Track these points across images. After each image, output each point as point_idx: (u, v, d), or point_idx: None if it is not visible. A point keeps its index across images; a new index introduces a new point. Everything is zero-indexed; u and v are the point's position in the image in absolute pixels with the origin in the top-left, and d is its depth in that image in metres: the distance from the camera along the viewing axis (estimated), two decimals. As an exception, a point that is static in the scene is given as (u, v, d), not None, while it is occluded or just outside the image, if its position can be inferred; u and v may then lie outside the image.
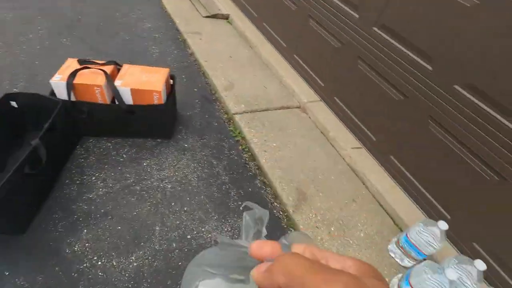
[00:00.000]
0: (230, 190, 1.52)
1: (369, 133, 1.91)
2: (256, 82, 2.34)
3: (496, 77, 1.25)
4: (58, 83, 1.36)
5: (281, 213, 1.54)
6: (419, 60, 1.54)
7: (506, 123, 1.24)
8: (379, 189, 1.73)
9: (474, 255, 1.44)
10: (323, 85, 2.24)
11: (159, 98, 1.46)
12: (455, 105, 1.40)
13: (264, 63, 2.62)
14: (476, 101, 1.33)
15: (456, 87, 1.40)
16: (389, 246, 1.49)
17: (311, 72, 2.34)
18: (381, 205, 1.72)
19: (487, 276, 1.39)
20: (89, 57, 1.93)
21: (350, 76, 1.97)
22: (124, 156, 1.53)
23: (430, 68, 1.50)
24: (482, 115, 1.31)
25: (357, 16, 1.86)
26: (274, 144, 1.86)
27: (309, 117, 2.19)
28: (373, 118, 1.87)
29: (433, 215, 1.60)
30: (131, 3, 2.90)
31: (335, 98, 2.14)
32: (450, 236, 1.53)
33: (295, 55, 2.49)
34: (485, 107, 1.30)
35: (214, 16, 3.08)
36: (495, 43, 1.24)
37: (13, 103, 1.40)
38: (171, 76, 1.67)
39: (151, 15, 2.83)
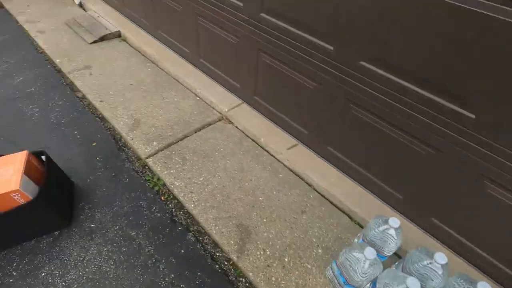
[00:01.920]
0: (158, 263, 1.27)
1: (299, 128, 1.71)
2: (166, 106, 2.03)
3: (394, 46, 1.06)
4: None
5: (225, 263, 1.32)
6: (319, 41, 1.31)
7: (422, 92, 1.07)
8: (326, 185, 1.56)
9: (434, 230, 1.33)
10: (238, 86, 1.98)
11: (22, 196, 1.13)
12: (367, 82, 1.21)
13: (172, 78, 2.29)
14: (386, 74, 1.14)
15: (363, 63, 1.19)
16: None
17: (222, 74, 2.06)
18: (333, 204, 1.55)
19: (451, 245, 1.29)
20: None
21: (259, 70, 1.72)
22: (14, 273, 1.22)
23: (331, 48, 1.28)
24: (396, 88, 1.13)
25: (241, 5, 1.57)
26: (201, 179, 1.60)
27: (236, 127, 1.94)
28: (296, 111, 1.65)
29: (385, 198, 1.47)
30: (-4, 55, 2.39)
31: (255, 97, 1.90)
32: (407, 213, 1.41)
33: (201, 60, 2.18)
34: (396, 79, 1.12)
35: (103, 39, 2.65)
36: (385, 13, 1.03)
37: None
38: (40, 153, 1.33)
39: (22, 63, 2.35)
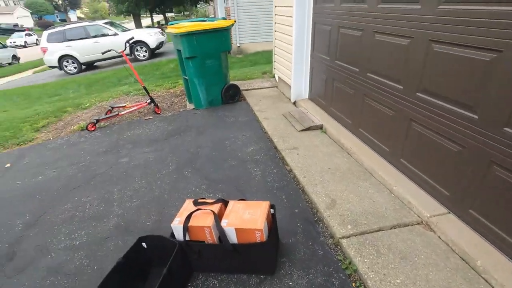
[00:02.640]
0: None
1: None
2: (361, 194, 2.14)
3: None
4: (176, 226, 1.55)
5: None
6: None
7: None
8: None
9: None
10: (448, 194, 1.84)
11: (261, 235, 1.44)
12: None
13: (366, 171, 2.44)
14: None
15: None
16: None
17: (427, 178, 2.00)
18: None
19: None
20: (203, 186, 2.24)
21: (484, 182, 1.56)
22: (229, 296, 1.48)
23: None
24: None
25: (476, 117, 1.58)
26: (398, 281, 1.49)
27: (439, 237, 1.74)
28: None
29: None
30: (237, 131, 3.42)
31: (470, 210, 1.69)
32: None
33: (402, 160, 2.24)
34: None
35: (309, 129, 3.26)
36: None
37: (144, 244, 1.63)
38: (271, 206, 1.68)
39: (253, 138, 3.22)
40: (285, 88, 4.40)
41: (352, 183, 2.29)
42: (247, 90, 4.81)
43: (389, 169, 2.32)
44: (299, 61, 3.75)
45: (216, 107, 4.24)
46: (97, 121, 3.98)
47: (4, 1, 47.56)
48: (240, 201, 1.68)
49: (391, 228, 1.83)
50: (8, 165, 3.33)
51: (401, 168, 2.26)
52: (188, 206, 1.67)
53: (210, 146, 3.15)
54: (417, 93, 1.98)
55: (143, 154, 3.14)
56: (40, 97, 7.42)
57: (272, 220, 1.63)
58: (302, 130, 3.25)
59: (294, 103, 4.07)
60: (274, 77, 5.22)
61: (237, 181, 2.46)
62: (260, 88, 4.89)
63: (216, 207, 1.61)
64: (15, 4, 47.87)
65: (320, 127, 3.29)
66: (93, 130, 3.92)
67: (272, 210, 1.67)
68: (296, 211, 2.06)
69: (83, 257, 1.89)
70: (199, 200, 1.69)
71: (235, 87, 4.40)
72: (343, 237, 1.78)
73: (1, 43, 16.36)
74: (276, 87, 4.87)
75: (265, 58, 8.61)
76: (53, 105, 5.59)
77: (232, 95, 4.39)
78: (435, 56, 1.80)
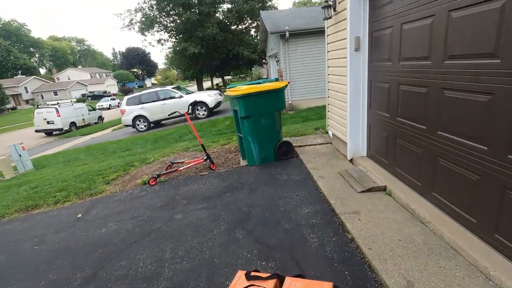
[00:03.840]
0: None
1: None
2: (446, 278, 1.73)
3: None
4: (227, 304, 1.39)
5: None
6: None
7: None
8: None
9: None
10: None
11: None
12: None
13: (448, 246, 2.03)
14: None
15: None
16: None
17: (541, 265, 1.55)
18: None
19: None
20: (255, 252, 2.08)
21: None
22: None
23: None
24: None
25: None
26: None
27: None
28: None
29: None
30: (291, 190, 3.28)
31: None
32: None
33: (497, 235, 1.81)
34: None
35: (370, 190, 2.97)
36: None
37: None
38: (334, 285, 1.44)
39: (307, 198, 3.03)
40: (340, 145, 4.23)
41: (432, 261, 1.90)
42: (300, 146, 4.76)
43: (481, 246, 1.89)
44: (355, 118, 3.63)
45: (269, 164, 4.22)
46: (158, 176, 4.25)
47: (99, 74, 59.22)
48: (298, 278, 1.48)
49: (497, 333, 1.39)
50: (79, 215, 3.64)
51: (497, 246, 1.82)
52: (240, 280, 1.52)
53: (262, 205, 3.04)
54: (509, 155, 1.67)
55: (196, 211, 3.15)
56: (114, 151, 8.41)
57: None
58: (363, 192, 2.96)
59: (351, 160, 3.84)
60: (327, 133, 5.13)
61: (292, 249, 2.24)
62: (314, 145, 4.80)
63: (270, 284, 1.43)
64: (106, 76, 59.04)
65: (384, 189, 2.97)
66: (154, 185, 4.17)
67: (334, 292, 1.42)
68: (364, 293, 1.74)
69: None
70: (252, 273, 1.53)
71: (288, 144, 4.39)
72: (429, 338, 1.39)
73: (92, 107, 19.76)
74: (330, 143, 4.74)
75: (317, 114, 8.68)
76: (123, 160, 6.24)
77: (285, 152, 4.36)
78: (529, 114, 1.54)
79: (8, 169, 7.31)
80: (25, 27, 62.80)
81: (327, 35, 4.18)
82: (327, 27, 4.13)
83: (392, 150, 3.04)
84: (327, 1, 3.69)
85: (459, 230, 2.08)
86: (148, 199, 3.71)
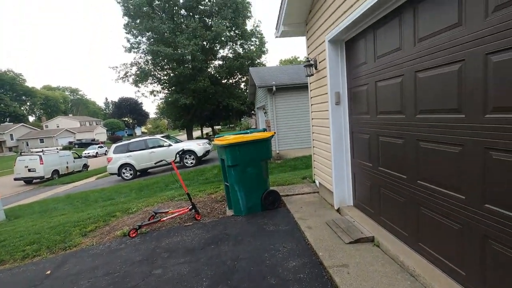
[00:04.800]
0: None
1: None
2: None
3: None
4: None
5: None
6: None
7: None
8: None
9: None
10: None
11: None
12: None
13: (441, 301, 1.94)
14: None
15: None
16: None
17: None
18: None
19: None
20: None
21: None
22: None
23: None
24: None
25: None
26: None
27: None
28: None
29: None
30: (278, 241, 3.16)
31: None
32: None
33: (487, 289, 1.76)
34: None
35: (358, 241, 2.90)
36: None
37: None
38: None
39: (295, 250, 2.91)
40: (326, 194, 4.24)
41: (425, 319, 1.79)
42: (287, 195, 4.73)
43: (473, 301, 1.82)
44: (339, 167, 3.71)
45: (256, 214, 4.13)
46: (139, 227, 4.04)
47: (89, 122, 59.69)
48: None
49: None
50: (48, 272, 3.32)
51: (489, 301, 1.76)
52: None
53: (248, 258, 2.89)
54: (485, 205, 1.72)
55: (178, 266, 2.95)
56: (96, 201, 8.06)
57: None
58: (351, 243, 2.89)
59: (338, 210, 3.81)
60: (314, 182, 5.16)
61: (278, 307, 2.08)
62: (301, 194, 4.78)
63: None
64: (96, 124, 59.50)
65: (371, 239, 2.91)
66: (134, 236, 3.94)
67: None
68: None
69: None
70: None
71: (275, 193, 4.36)
72: None
73: (78, 154, 19.45)
74: (317, 192, 4.74)
75: (304, 163, 8.82)
76: (105, 210, 5.95)
77: (272, 201, 4.30)
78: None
79: (-23, 220, 6.81)
80: (20, 77, 64.47)
81: (310, 90, 4.49)
82: (310, 83, 4.46)
83: (376, 199, 3.07)
84: (309, 61, 4.06)
85: (449, 284, 2.02)
86: (126, 253, 3.47)
